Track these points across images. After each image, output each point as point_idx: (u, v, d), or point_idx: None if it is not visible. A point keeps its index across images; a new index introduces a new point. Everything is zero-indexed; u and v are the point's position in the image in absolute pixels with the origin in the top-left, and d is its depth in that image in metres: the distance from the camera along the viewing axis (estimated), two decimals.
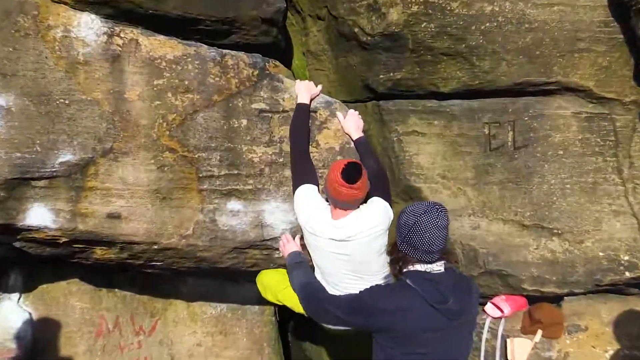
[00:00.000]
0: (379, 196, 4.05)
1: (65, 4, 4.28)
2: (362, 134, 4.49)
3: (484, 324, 4.80)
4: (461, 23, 4.59)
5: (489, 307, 4.82)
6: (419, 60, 4.76)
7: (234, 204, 4.46)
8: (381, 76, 4.90)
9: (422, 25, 4.61)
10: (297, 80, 4.56)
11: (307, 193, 4.12)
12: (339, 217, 3.91)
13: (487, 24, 4.61)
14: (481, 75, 4.76)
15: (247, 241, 4.48)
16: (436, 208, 3.12)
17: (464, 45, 4.66)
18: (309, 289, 3.64)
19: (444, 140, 4.96)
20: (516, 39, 4.63)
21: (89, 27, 4.30)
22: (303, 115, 4.40)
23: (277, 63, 4.76)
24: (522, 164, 4.85)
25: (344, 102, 4.89)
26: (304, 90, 4.47)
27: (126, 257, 4.52)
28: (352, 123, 4.52)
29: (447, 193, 4.92)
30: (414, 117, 4.99)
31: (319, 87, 4.55)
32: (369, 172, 3.97)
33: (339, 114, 4.55)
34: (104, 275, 5.24)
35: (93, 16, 4.32)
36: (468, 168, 4.92)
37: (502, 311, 4.75)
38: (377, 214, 3.96)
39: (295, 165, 4.32)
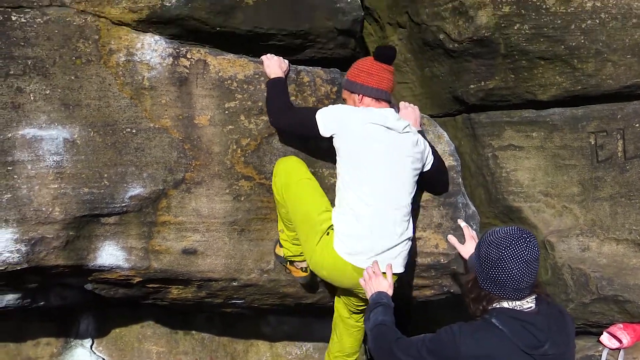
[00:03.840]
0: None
1: (127, 25, 4.31)
2: (420, 129, 4.38)
3: (600, 356, 4.78)
4: (559, 22, 4.60)
5: (605, 338, 4.80)
6: (513, 67, 4.78)
7: None
8: (471, 86, 4.94)
9: (515, 28, 4.62)
10: (264, 57, 4.42)
11: (330, 108, 4.07)
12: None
13: (589, 22, 4.61)
14: (584, 79, 4.75)
15: None
16: (523, 237, 2.89)
17: (562, 46, 4.65)
18: (382, 329, 3.32)
19: (544, 153, 4.98)
20: (622, 36, 4.62)
21: (152, 49, 4.32)
22: (282, 86, 4.28)
23: None
24: (635, 175, 4.88)
25: (431, 116, 4.88)
26: (275, 66, 4.35)
27: (204, 296, 4.54)
28: (410, 116, 4.39)
29: (551, 212, 4.95)
30: (509, 130, 5.02)
31: (286, 61, 4.45)
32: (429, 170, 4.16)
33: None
34: (180, 317, 5.25)
35: (157, 37, 4.34)
36: (573, 183, 4.95)
37: (620, 342, 4.73)
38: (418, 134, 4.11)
39: (291, 114, 4.18)
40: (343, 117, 3.97)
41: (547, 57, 4.67)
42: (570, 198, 4.91)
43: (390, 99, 4.05)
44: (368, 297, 3.59)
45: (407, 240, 4.00)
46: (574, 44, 4.61)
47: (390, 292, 3.59)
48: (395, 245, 3.93)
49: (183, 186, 4.29)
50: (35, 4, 4.17)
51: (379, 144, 3.90)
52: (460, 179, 4.53)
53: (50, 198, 4.04)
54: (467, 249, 3.89)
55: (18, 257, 4.02)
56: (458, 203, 4.47)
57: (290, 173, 4.16)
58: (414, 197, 4.07)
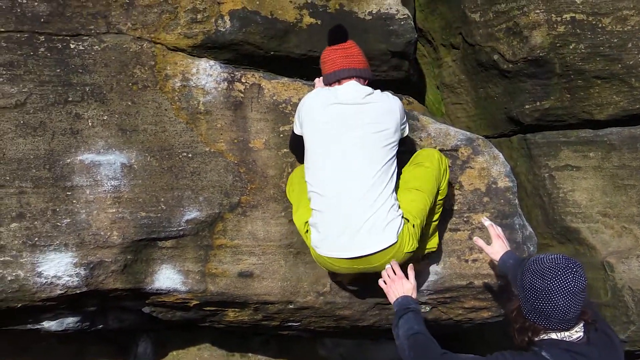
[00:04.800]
0: None
1: (183, 51, 4.37)
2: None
3: None
4: (615, 41, 4.60)
5: None
6: (568, 86, 4.78)
7: None
8: (527, 106, 4.95)
9: (571, 47, 4.63)
10: (317, 80, 4.34)
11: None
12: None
13: None
14: None
15: None
16: (569, 267, 2.78)
17: (619, 65, 4.65)
18: (420, 340, 3.18)
19: (602, 173, 4.95)
20: None
21: (208, 74, 4.37)
22: None
23: (411, 99, 4.81)
24: None
25: (486, 137, 4.85)
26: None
27: (260, 319, 4.53)
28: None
29: (610, 233, 4.89)
30: (566, 150, 5.01)
31: None
32: None
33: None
34: (237, 339, 5.26)
35: (212, 62, 4.40)
36: (633, 203, 4.90)
37: None
38: (389, 95, 3.95)
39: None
40: (300, 109, 3.94)
41: (604, 77, 4.67)
42: (629, 218, 4.86)
43: (353, 73, 3.90)
44: (391, 302, 3.52)
45: (378, 210, 3.70)
46: (631, 62, 4.60)
47: (414, 294, 3.52)
48: (366, 221, 3.70)
49: (239, 209, 4.30)
50: (93, 31, 4.27)
51: (327, 120, 3.80)
52: (516, 200, 4.47)
53: (109, 222, 4.09)
54: (495, 250, 3.84)
55: (77, 280, 4.07)
56: (515, 224, 4.41)
57: (296, 175, 4.20)
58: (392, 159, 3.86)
